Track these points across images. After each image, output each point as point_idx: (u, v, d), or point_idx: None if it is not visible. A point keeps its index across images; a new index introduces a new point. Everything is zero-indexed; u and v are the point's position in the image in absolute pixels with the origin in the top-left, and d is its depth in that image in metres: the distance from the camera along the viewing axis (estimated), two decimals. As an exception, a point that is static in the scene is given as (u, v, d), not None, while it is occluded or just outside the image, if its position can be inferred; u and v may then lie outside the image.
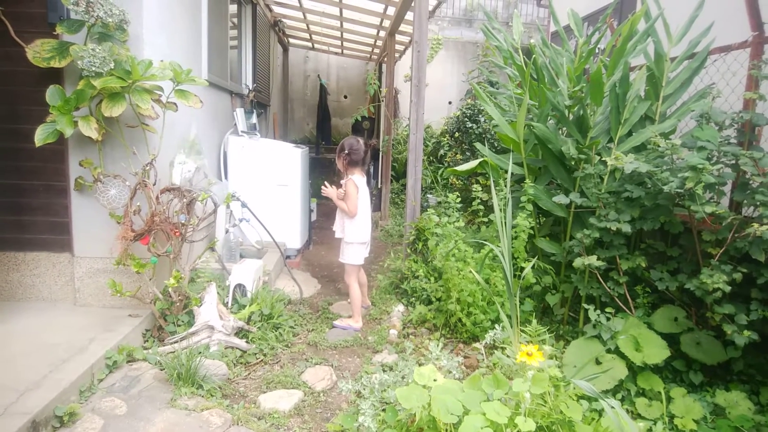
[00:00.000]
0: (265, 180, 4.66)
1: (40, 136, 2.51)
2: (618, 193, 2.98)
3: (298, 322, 3.53)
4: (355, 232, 3.50)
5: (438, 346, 2.40)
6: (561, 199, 3.13)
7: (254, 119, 5.07)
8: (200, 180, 2.98)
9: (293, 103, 10.19)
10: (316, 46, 9.43)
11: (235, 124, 4.65)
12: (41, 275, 3.21)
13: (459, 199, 3.80)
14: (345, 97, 10.52)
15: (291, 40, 9.41)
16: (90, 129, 2.57)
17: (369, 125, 7.42)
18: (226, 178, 4.66)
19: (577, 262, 2.84)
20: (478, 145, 3.96)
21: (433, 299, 3.40)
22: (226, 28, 4.99)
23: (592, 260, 2.75)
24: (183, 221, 2.99)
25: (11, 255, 3.18)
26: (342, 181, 3.50)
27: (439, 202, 7.93)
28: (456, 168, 4.55)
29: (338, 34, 8.23)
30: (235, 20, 5.87)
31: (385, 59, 7.81)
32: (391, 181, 7.10)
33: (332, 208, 8.47)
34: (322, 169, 8.47)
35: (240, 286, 3.43)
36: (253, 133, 4.99)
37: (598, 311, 2.67)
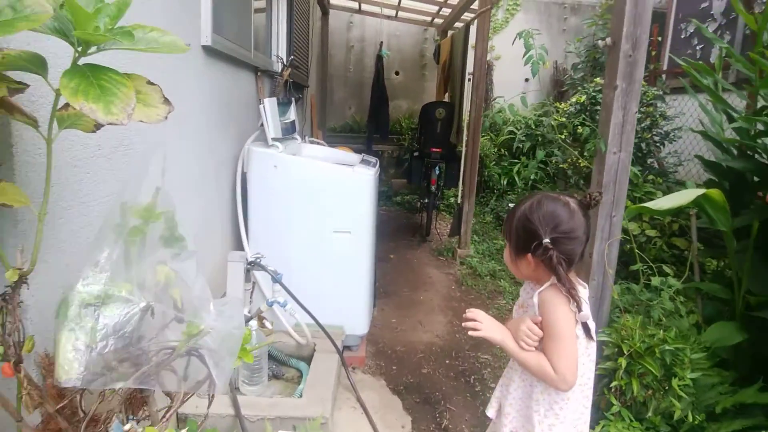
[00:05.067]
0: (311, 223, 2.69)
1: None
2: None
3: None
4: (557, 430, 1.39)
5: None
6: None
7: (292, 113, 3.08)
8: (158, 332, 1.04)
9: (332, 81, 8.15)
10: (363, 7, 7.33)
11: (262, 125, 2.67)
12: None
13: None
14: (396, 73, 8.41)
15: (332, 1, 7.34)
16: None
17: (444, 113, 5.35)
18: (245, 219, 2.72)
19: None
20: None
21: None
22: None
23: None
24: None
25: None
26: (530, 294, 1.44)
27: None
28: (647, 205, 2.56)
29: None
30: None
31: (457, 23, 5.70)
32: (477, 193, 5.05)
33: (393, 211, 6.40)
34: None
35: None
36: (291, 138, 3.01)
37: None
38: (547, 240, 1.28)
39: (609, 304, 2.15)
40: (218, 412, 2.14)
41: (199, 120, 2.19)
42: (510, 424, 1.48)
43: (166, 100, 0.99)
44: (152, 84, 1.00)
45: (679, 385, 1.87)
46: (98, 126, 1.03)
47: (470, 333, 1.42)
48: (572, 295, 1.28)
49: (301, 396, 2.32)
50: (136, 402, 1.17)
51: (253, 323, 2.33)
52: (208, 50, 2.22)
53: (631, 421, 1.87)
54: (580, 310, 1.29)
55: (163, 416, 1.21)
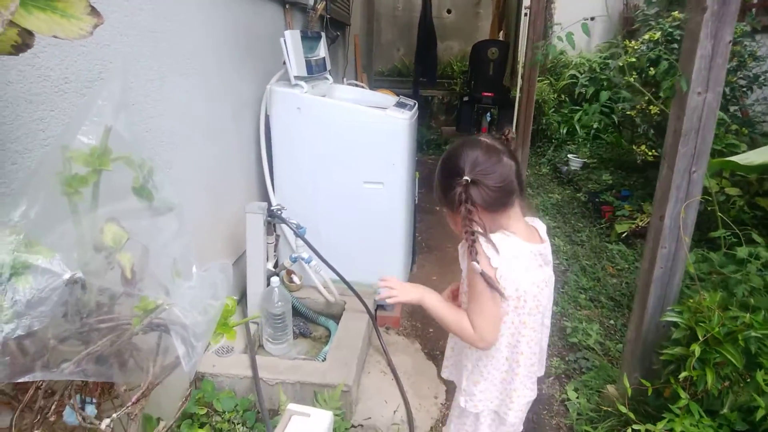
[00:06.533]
0: (340, 174, 2.44)
1: None
2: None
3: None
4: (480, 387, 1.36)
5: None
6: None
7: (321, 49, 2.78)
8: (109, 306, 0.85)
9: (380, 21, 7.68)
10: (413, -63, 6.75)
11: (285, 62, 2.39)
12: None
13: None
14: (448, 11, 7.81)
15: (379, -70, 6.79)
16: None
17: (497, 53, 4.87)
18: (270, 168, 2.50)
19: None
20: None
21: None
22: None
23: None
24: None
25: None
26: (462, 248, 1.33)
27: (587, 164, 5.40)
28: (734, 158, 2.18)
29: None
30: None
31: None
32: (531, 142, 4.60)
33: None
34: (422, 118, 6.07)
35: None
36: (321, 77, 2.73)
37: None
38: (467, 178, 1.16)
39: (681, 278, 1.81)
40: (236, 373, 2.01)
41: (209, 57, 1.95)
42: (450, 374, 1.55)
43: (94, 11, 0.74)
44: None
45: (764, 379, 1.55)
46: (18, 47, 0.80)
47: (388, 301, 1.36)
48: (469, 239, 1.16)
49: (324, 359, 2.16)
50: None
51: (275, 279, 2.16)
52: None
53: (701, 416, 1.57)
54: (477, 261, 1.17)
55: (136, 400, 1.04)
